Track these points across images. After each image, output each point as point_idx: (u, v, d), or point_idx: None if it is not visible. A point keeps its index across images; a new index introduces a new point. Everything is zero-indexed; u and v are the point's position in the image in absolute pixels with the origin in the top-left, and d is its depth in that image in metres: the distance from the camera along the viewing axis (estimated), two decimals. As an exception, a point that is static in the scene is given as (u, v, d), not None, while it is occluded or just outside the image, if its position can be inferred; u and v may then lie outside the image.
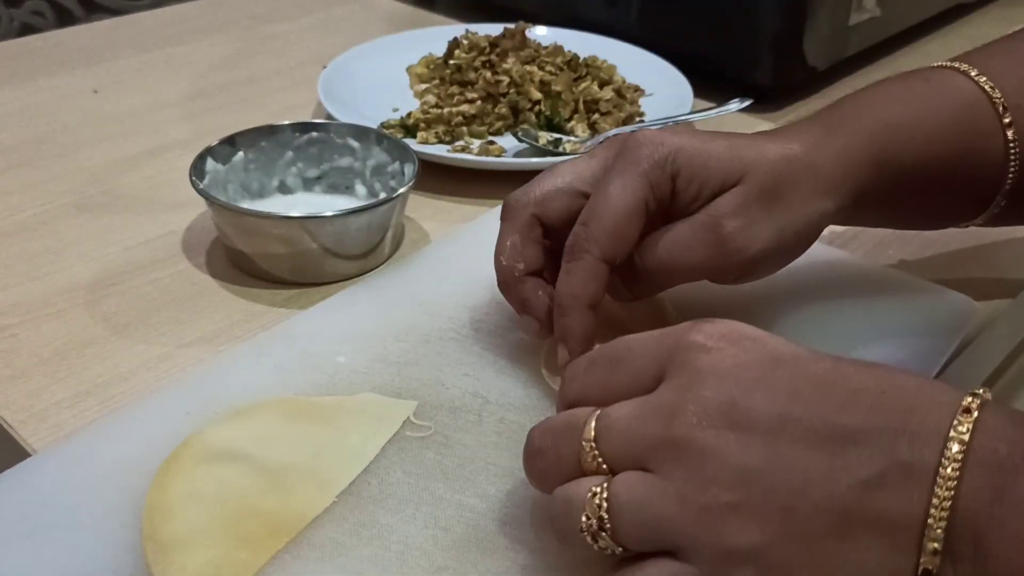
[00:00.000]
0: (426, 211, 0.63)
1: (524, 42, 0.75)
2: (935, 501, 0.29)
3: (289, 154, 0.61)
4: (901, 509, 0.30)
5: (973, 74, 0.49)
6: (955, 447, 0.29)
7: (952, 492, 0.29)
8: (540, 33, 0.82)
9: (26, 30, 0.99)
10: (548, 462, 0.36)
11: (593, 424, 0.34)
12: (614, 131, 0.69)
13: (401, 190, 0.56)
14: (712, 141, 0.45)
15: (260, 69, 0.84)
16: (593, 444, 0.34)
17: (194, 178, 0.55)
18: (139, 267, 0.57)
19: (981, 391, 0.31)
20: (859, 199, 0.47)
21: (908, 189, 0.48)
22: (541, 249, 0.46)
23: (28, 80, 0.80)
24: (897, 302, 0.53)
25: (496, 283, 0.47)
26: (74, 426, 0.45)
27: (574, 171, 0.46)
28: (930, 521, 0.29)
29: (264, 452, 0.42)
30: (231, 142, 0.59)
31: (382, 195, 0.60)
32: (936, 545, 0.29)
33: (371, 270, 0.57)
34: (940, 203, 0.50)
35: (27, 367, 0.49)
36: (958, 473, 0.29)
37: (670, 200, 0.44)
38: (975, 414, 0.30)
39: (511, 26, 0.76)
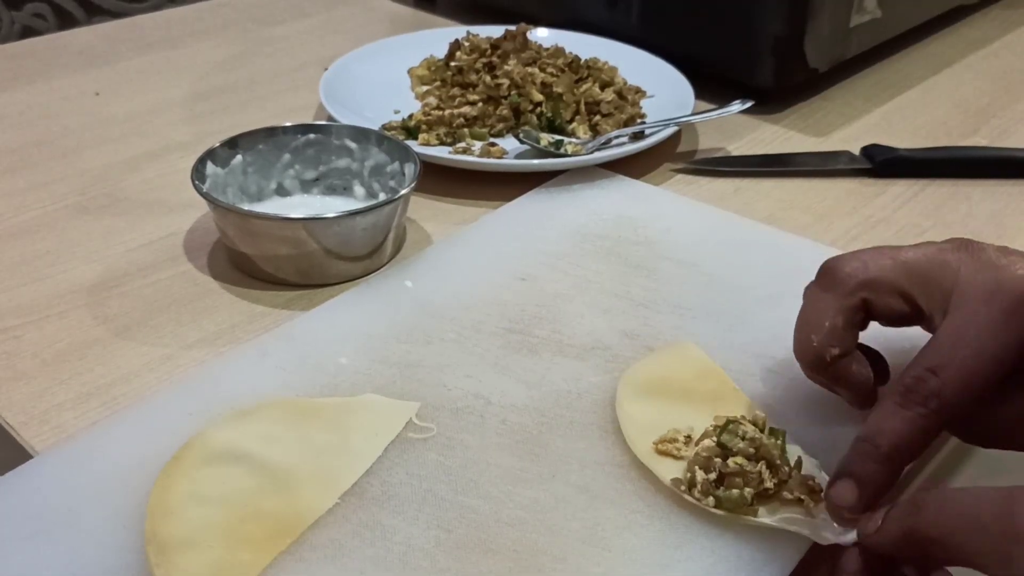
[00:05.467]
0: (427, 213, 0.63)
1: (525, 44, 0.75)
2: None
3: (287, 156, 0.61)
4: None
5: None
6: None
7: None
8: (541, 35, 0.82)
9: (27, 32, 0.99)
10: None
11: None
12: (615, 132, 0.69)
13: (404, 191, 0.56)
14: None
15: (261, 71, 0.84)
16: None
17: (196, 181, 0.55)
18: (141, 269, 0.57)
19: None
20: None
21: None
22: (858, 333, 0.41)
23: (29, 82, 0.80)
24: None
25: (797, 358, 0.42)
26: (76, 428, 0.45)
27: (919, 272, 0.40)
28: None
29: (266, 453, 0.42)
30: (233, 144, 0.59)
31: (381, 196, 0.60)
32: None
33: (373, 271, 0.57)
34: None
35: (29, 369, 0.49)
36: None
37: None
38: None
39: (512, 28, 0.76)
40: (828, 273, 0.42)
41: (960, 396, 0.37)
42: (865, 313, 0.41)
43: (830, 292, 0.41)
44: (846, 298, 0.41)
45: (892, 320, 0.42)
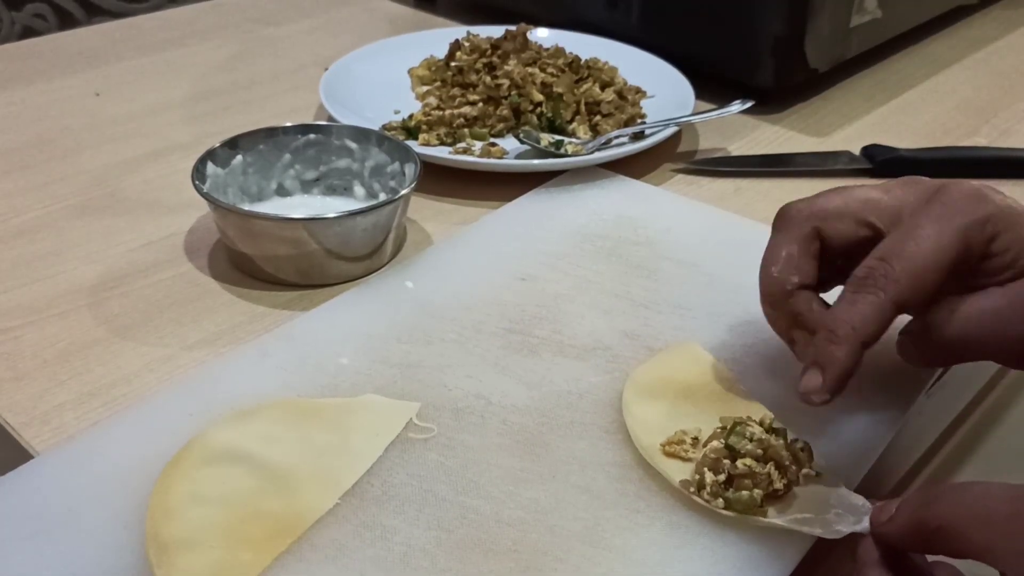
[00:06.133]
0: (428, 213, 0.63)
1: (525, 44, 0.75)
2: None
3: (287, 156, 0.61)
4: None
5: None
6: None
7: None
8: (541, 35, 0.82)
9: (28, 33, 0.99)
10: None
11: None
12: (615, 132, 0.69)
13: (404, 191, 0.56)
14: None
15: (261, 72, 0.84)
16: None
17: (196, 182, 0.55)
18: (141, 269, 0.57)
19: None
20: None
21: None
22: (817, 264, 0.44)
23: (30, 83, 0.80)
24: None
25: (761, 297, 0.45)
26: (77, 428, 0.45)
27: (863, 198, 0.44)
28: None
29: (267, 453, 0.42)
30: (233, 144, 0.59)
31: (381, 196, 0.60)
32: None
33: (373, 272, 0.57)
34: None
35: (30, 369, 0.49)
36: None
37: (977, 262, 0.41)
38: None
39: (512, 28, 0.76)
40: (779, 216, 0.45)
41: (912, 281, 0.40)
42: (820, 241, 0.44)
43: (783, 231, 0.44)
44: (797, 229, 0.44)
45: (848, 248, 0.44)
